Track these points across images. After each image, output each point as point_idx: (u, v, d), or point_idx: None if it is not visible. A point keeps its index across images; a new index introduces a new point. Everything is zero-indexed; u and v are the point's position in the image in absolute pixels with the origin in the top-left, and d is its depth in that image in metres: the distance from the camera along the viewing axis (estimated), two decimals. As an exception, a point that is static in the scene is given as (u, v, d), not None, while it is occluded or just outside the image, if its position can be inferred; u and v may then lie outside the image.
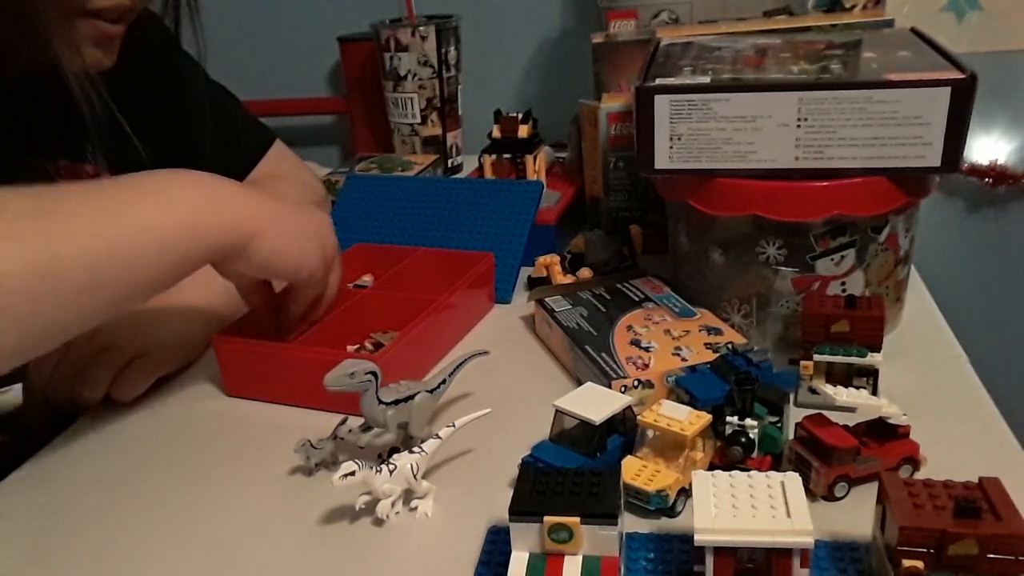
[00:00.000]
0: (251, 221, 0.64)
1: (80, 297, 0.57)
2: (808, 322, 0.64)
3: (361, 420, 0.61)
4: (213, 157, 0.91)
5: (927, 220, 0.84)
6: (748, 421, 0.55)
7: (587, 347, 0.69)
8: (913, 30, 0.82)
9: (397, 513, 0.56)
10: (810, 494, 0.51)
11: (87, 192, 0.60)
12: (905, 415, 0.56)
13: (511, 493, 0.46)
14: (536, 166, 0.98)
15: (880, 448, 0.56)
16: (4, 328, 0.53)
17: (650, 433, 0.58)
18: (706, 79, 0.69)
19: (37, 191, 0.57)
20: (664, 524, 0.53)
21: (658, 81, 0.69)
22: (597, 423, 0.55)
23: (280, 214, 0.67)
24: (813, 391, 0.63)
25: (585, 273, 0.86)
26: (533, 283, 0.87)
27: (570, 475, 0.47)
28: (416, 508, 0.56)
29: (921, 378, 0.67)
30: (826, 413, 0.57)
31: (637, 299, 0.77)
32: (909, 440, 0.56)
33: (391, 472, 0.55)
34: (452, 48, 1.19)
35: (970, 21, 1.26)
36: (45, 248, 0.54)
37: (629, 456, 0.56)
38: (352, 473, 0.53)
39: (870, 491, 0.49)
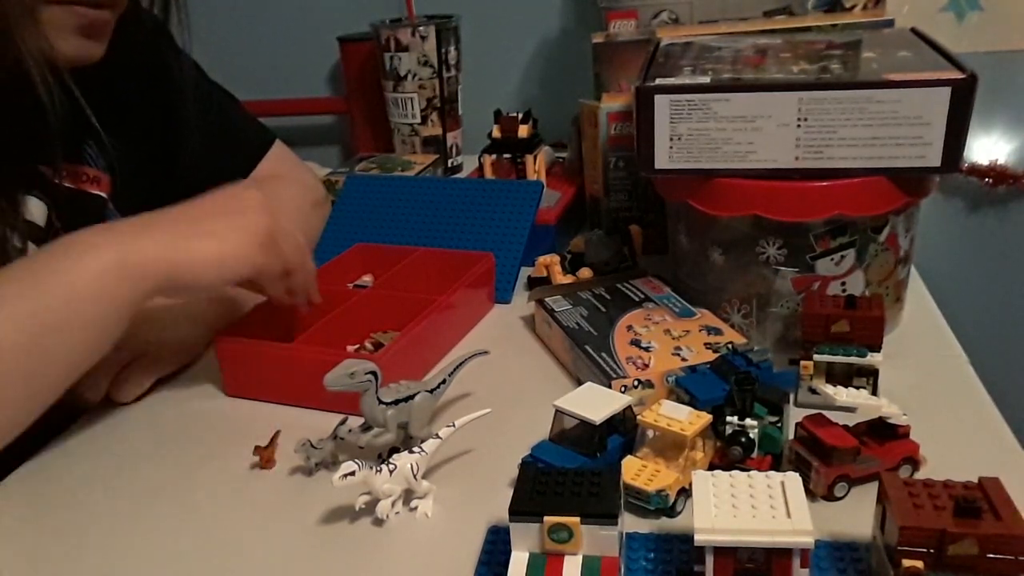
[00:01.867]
0: (163, 257, 0.62)
1: (28, 380, 0.57)
2: (808, 322, 0.64)
3: (361, 420, 0.61)
4: (213, 158, 0.91)
5: (927, 220, 0.84)
6: (748, 421, 0.55)
7: (587, 347, 0.69)
8: (913, 30, 0.82)
9: (397, 513, 0.56)
10: (810, 494, 0.51)
11: (12, 271, 0.60)
12: (905, 415, 0.56)
13: (511, 493, 0.46)
14: (536, 166, 0.98)
15: (880, 448, 0.56)
16: None
17: (650, 433, 0.58)
18: (706, 79, 0.69)
19: None
20: (664, 524, 0.53)
21: (658, 81, 0.69)
22: (597, 423, 0.55)
23: (189, 230, 0.64)
24: (813, 391, 0.63)
25: (585, 273, 0.86)
26: (533, 283, 0.87)
27: (570, 475, 0.47)
28: (416, 508, 0.56)
29: (921, 378, 0.67)
30: (826, 413, 0.57)
31: (637, 299, 0.77)
32: (909, 440, 0.56)
33: (391, 472, 0.55)
34: (452, 48, 1.19)
35: (970, 21, 1.26)
36: None
37: (629, 456, 0.56)
38: (352, 473, 0.53)
39: (870, 491, 0.49)
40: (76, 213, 0.75)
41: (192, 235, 0.64)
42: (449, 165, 1.24)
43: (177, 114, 0.88)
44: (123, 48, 0.71)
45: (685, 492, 0.54)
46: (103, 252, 0.60)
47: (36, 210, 0.72)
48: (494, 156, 0.99)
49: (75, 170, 0.76)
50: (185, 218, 0.66)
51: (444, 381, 0.64)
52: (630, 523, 0.53)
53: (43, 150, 0.73)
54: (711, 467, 0.56)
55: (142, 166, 0.85)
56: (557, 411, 0.58)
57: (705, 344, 0.68)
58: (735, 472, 0.47)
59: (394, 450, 0.59)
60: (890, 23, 0.89)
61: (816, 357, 0.62)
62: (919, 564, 0.42)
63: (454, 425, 0.59)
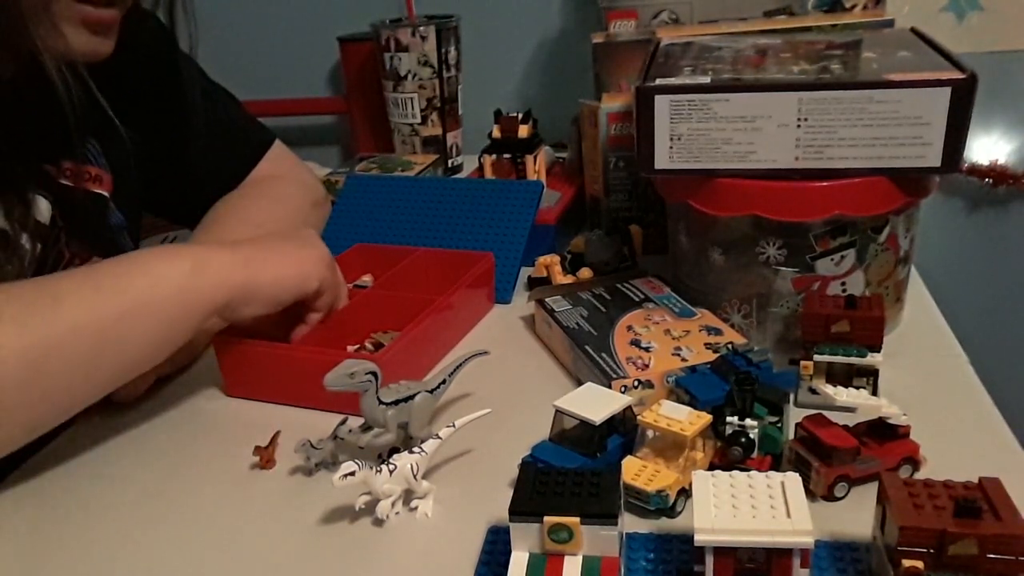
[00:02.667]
0: (238, 271, 0.66)
1: (74, 378, 0.59)
2: (808, 322, 0.64)
3: (361, 420, 0.61)
4: (213, 158, 0.91)
5: (927, 220, 0.84)
6: (748, 421, 0.55)
7: (587, 347, 0.69)
8: (913, 30, 0.82)
9: (397, 513, 0.56)
10: (810, 494, 0.51)
11: (74, 276, 0.63)
12: (905, 415, 0.56)
13: (511, 493, 0.46)
14: (536, 166, 0.98)
15: (880, 448, 0.56)
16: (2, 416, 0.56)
17: (650, 433, 0.58)
18: (706, 79, 0.69)
19: (25, 282, 0.61)
20: (664, 524, 0.53)
21: (658, 81, 0.69)
22: (597, 423, 0.55)
23: (264, 250, 0.70)
24: (813, 391, 0.63)
25: (585, 273, 0.86)
26: (533, 283, 0.87)
27: (570, 475, 0.47)
28: (416, 508, 0.56)
29: (921, 378, 0.67)
30: (826, 413, 0.57)
31: (637, 299, 0.77)
32: (909, 440, 0.56)
33: (391, 472, 0.55)
34: (452, 48, 1.19)
35: (970, 21, 1.26)
36: (36, 332, 0.57)
37: (629, 456, 0.56)
38: (352, 473, 0.53)
39: (870, 491, 0.49)
40: (79, 212, 0.75)
41: (267, 253, 0.70)
42: (449, 165, 1.24)
43: (182, 113, 0.88)
44: (128, 46, 0.71)
45: (685, 492, 0.54)
46: (183, 260, 0.64)
47: (41, 209, 0.72)
48: (494, 156, 0.99)
49: (78, 169, 0.76)
50: (259, 240, 0.72)
51: (444, 381, 0.64)
52: (630, 523, 0.53)
53: (50, 148, 0.73)
54: (711, 467, 0.56)
55: (143, 165, 0.85)
56: (557, 411, 0.58)
57: (705, 344, 0.68)
58: (735, 472, 0.47)
59: (394, 450, 0.59)
60: (890, 23, 0.89)
61: (816, 357, 0.62)
62: (919, 564, 0.42)
63: (454, 425, 0.59)
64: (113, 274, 0.63)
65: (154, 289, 0.62)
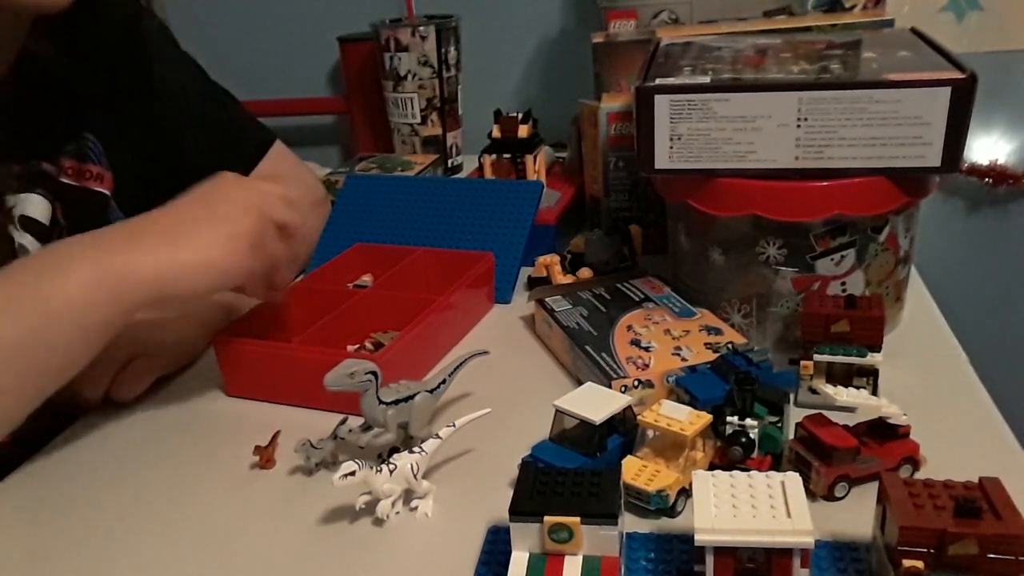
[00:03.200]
0: (149, 271, 0.61)
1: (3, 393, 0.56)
2: (808, 322, 0.64)
3: (361, 420, 0.61)
4: (213, 157, 0.91)
5: (927, 220, 0.84)
6: (748, 421, 0.55)
7: (587, 347, 0.69)
8: (913, 30, 0.82)
9: (397, 513, 0.56)
10: (810, 494, 0.51)
11: None
12: (905, 415, 0.56)
13: (511, 493, 0.46)
14: (536, 166, 0.98)
15: (880, 448, 0.56)
16: None
17: (650, 433, 0.58)
18: (706, 79, 0.69)
19: None
20: (664, 524, 0.53)
21: (658, 81, 0.69)
22: (597, 423, 0.55)
23: (172, 239, 0.62)
24: (813, 391, 0.63)
25: (585, 273, 0.86)
26: (533, 283, 0.87)
27: (570, 475, 0.47)
28: (416, 508, 0.56)
29: (921, 378, 0.67)
30: (826, 413, 0.57)
31: (637, 299, 0.77)
32: (909, 440, 0.56)
33: (391, 472, 0.55)
34: (452, 48, 1.19)
35: (970, 21, 1.26)
36: None
37: (629, 456, 0.56)
38: (352, 473, 0.53)
39: (870, 491, 0.49)
40: (80, 210, 0.75)
41: (178, 245, 0.62)
42: (449, 165, 1.24)
43: (175, 109, 0.88)
44: (98, 33, 0.70)
45: (685, 492, 0.54)
46: (79, 268, 0.59)
47: (40, 207, 0.72)
48: (494, 156, 0.99)
49: (79, 167, 0.76)
50: (171, 224, 0.64)
51: (444, 381, 0.64)
52: (630, 523, 0.53)
53: (44, 146, 0.73)
54: (711, 467, 0.56)
55: (144, 164, 0.85)
56: (557, 411, 0.58)
57: (705, 344, 0.68)
58: (735, 472, 0.47)
59: (394, 450, 0.59)
60: (890, 23, 0.89)
61: (816, 357, 0.62)
62: (919, 564, 0.42)
63: (454, 425, 0.59)
64: (24, 284, 0.58)
65: (62, 304, 0.58)
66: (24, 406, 0.59)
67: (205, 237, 0.63)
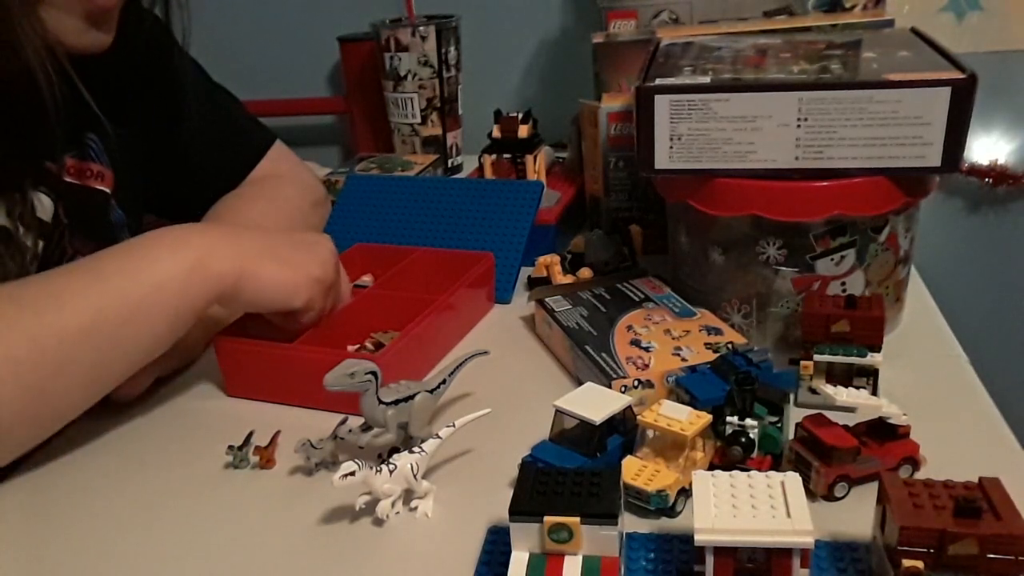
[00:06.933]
0: (238, 267, 0.65)
1: (77, 380, 0.60)
2: (808, 322, 0.64)
3: (361, 420, 0.61)
4: (213, 157, 0.91)
5: (927, 220, 0.84)
6: (748, 421, 0.55)
7: (587, 347, 0.69)
8: (913, 30, 0.82)
9: (397, 513, 0.56)
10: (810, 494, 0.51)
11: (76, 273, 0.63)
12: (905, 415, 0.56)
13: (511, 493, 0.46)
14: (536, 166, 0.98)
15: (880, 448, 0.56)
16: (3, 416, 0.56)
17: (650, 433, 0.58)
18: (706, 79, 0.69)
19: (26, 281, 0.61)
20: (664, 524, 0.53)
21: (658, 81, 0.69)
22: (597, 423, 0.55)
23: (267, 252, 0.68)
24: (813, 391, 0.63)
25: (585, 273, 0.86)
26: (533, 283, 0.87)
27: (570, 475, 0.47)
28: (416, 508, 0.56)
29: (921, 378, 0.67)
30: (826, 413, 0.57)
31: (637, 299, 0.77)
32: (909, 440, 0.56)
33: (391, 472, 0.55)
34: (452, 48, 1.19)
35: (970, 21, 1.26)
36: (38, 336, 0.57)
37: (629, 456, 0.56)
38: (352, 473, 0.53)
39: (870, 491, 0.49)
40: (81, 209, 0.75)
41: (269, 256, 0.68)
42: (449, 165, 1.24)
43: (178, 110, 0.88)
44: (124, 41, 0.71)
45: (685, 492, 0.54)
46: (188, 250, 0.64)
47: (43, 206, 0.72)
48: (494, 156, 0.99)
49: (81, 166, 0.76)
50: (267, 239, 0.70)
51: (444, 381, 0.64)
52: (630, 523, 0.53)
53: (47, 145, 0.73)
54: (711, 467, 0.56)
55: (144, 163, 0.85)
56: (557, 411, 0.58)
57: (705, 344, 0.68)
58: (735, 472, 0.47)
59: (394, 450, 0.59)
60: (890, 23, 0.89)
61: (816, 357, 0.62)
62: (919, 564, 0.42)
63: (454, 425, 0.59)
64: (118, 271, 0.62)
65: (159, 291, 0.62)
66: (112, 381, 0.63)
67: (292, 260, 0.69)
